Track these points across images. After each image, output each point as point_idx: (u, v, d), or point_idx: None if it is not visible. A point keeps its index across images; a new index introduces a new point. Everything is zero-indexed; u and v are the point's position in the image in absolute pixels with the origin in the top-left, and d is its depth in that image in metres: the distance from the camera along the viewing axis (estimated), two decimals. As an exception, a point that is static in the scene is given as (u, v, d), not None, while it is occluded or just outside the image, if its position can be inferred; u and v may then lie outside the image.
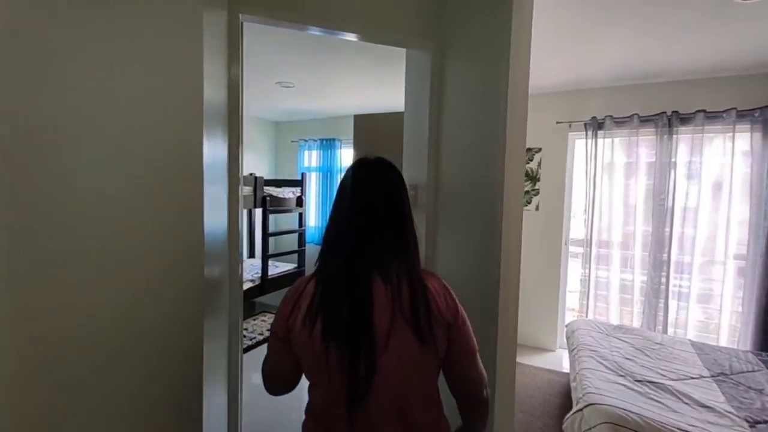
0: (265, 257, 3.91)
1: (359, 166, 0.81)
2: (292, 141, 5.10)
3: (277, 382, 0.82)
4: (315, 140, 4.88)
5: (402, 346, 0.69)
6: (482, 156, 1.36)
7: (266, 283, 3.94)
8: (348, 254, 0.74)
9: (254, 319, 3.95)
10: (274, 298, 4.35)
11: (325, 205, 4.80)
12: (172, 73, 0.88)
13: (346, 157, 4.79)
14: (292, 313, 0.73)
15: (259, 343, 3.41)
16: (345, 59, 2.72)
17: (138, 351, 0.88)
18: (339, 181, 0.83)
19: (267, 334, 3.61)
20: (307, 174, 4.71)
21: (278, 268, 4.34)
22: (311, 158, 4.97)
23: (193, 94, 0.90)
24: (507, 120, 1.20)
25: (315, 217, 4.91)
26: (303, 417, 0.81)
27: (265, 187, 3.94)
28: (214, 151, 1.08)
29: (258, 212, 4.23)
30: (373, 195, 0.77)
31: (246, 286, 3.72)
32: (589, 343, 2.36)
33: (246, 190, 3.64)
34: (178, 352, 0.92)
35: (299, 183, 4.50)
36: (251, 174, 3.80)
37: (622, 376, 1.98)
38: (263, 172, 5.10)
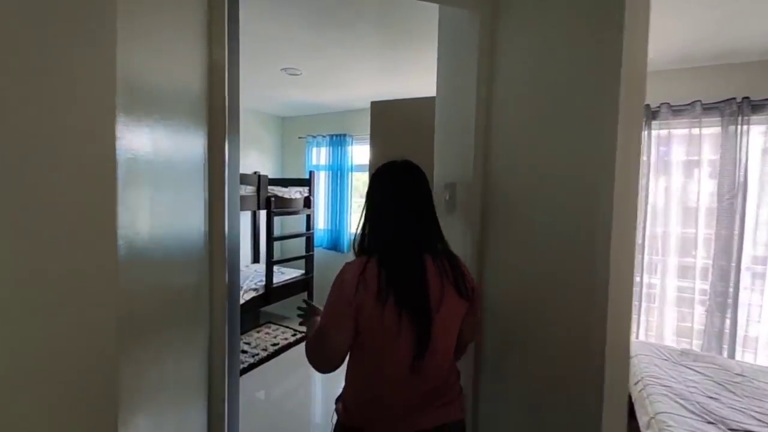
0: (270, 263, 3.56)
1: (397, 169, 0.99)
2: (299, 137, 4.75)
3: (330, 355, 0.92)
4: (324, 136, 4.52)
5: (451, 304, 0.92)
6: (563, 148, 0.98)
7: (271, 292, 3.59)
8: (404, 243, 0.92)
9: (258, 332, 3.60)
10: (280, 308, 4.00)
11: (335, 205, 4.44)
12: (75, 45, 0.51)
13: (358, 154, 4.42)
14: (357, 292, 0.86)
15: (264, 360, 3.06)
16: (358, 38, 2.34)
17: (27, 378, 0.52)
18: (373, 184, 1.02)
19: (273, 349, 3.27)
20: (316, 173, 4.35)
21: (284, 275, 3.99)
22: (320, 156, 4.62)
23: (103, 72, 0.54)
24: (620, 103, 0.81)
25: (324, 219, 4.55)
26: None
27: (269, 187, 3.59)
28: (173, 145, 0.79)
29: (263, 214, 3.90)
30: (416, 194, 0.97)
31: (248, 295, 3.38)
32: (657, 374, 1.95)
33: (248, 190, 3.29)
34: (83, 378, 0.55)
35: (307, 182, 4.15)
36: (255, 173, 3.45)
37: (712, 423, 1.58)
38: (269, 170, 4.76)
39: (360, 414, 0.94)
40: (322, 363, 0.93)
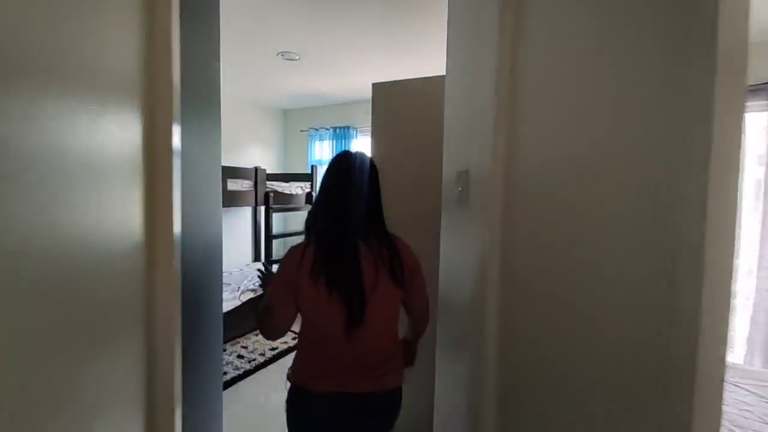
0: (268, 262, 3.37)
1: (344, 159, 1.08)
2: (301, 130, 4.55)
3: (278, 326, 1.01)
4: (327, 129, 4.30)
5: (385, 287, 1.01)
6: (626, 139, 0.71)
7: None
8: (337, 229, 1.01)
9: (256, 334, 3.41)
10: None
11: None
12: None
13: (362, 147, 4.20)
14: (296, 272, 0.97)
15: (261, 366, 2.87)
16: (360, 12, 2.11)
17: None
18: (325, 172, 1.09)
19: (272, 354, 3.07)
20: (319, 167, 4.14)
21: (285, 274, 3.80)
22: (323, 149, 4.40)
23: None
24: (718, 76, 0.54)
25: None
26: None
27: (268, 182, 3.39)
28: (67, 130, 0.58)
29: (262, 211, 3.71)
30: (357, 183, 1.04)
31: (246, 296, 3.19)
32: (702, 394, 1.68)
33: (245, 185, 3.09)
34: None
35: (309, 177, 3.94)
36: (255, 168, 3.26)
37: (778, 459, 1.32)
38: (271, 165, 4.57)
39: (303, 374, 1.03)
40: (271, 333, 1.04)
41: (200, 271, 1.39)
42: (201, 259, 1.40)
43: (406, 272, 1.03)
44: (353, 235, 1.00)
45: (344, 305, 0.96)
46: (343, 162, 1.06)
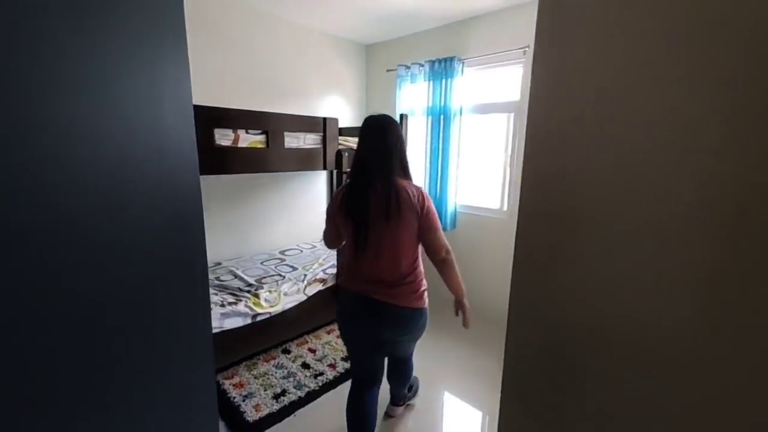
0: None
1: (368, 121, 1.40)
2: (388, 70, 3.50)
3: (332, 243, 1.56)
4: (422, 64, 3.18)
5: (379, 220, 1.32)
6: None
7: (345, 284, 2.62)
8: (357, 177, 1.37)
9: (327, 332, 2.71)
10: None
11: (434, 164, 3.18)
12: None
13: (471, 86, 3.00)
14: (335, 206, 1.41)
15: (329, 386, 2.15)
16: None
17: None
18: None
19: (345, 366, 2.35)
20: (409, 117, 3.09)
21: (364, 257, 2.99)
22: (416, 94, 3.32)
23: None
24: None
25: (420, 181, 3.34)
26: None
27: (342, 138, 2.50)
28: None
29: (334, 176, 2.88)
30: (377, 142, 1.35)
31: (313, 288, 2.45)
32: None
33: (308, 140, 2.24)
34: None
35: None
36: (323, 119, 2.37)
37: None
38: (346, 117, 3.67)
39: (343, 277, 1.50)
40: (328, 245, 1.59)
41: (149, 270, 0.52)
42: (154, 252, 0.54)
43: (403, 210, 1.31)
44: (364, 182, 1.33)
45: (353, 233, 1.35)
46: (364, 125, 1.39)
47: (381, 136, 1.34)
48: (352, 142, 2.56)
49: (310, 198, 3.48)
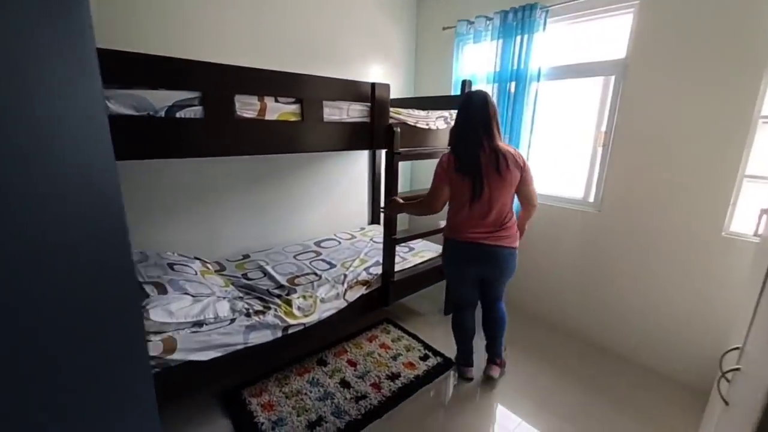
0: (391, 240, 2.11)
1: (468, 97, 1.72)
2: (444, 28, 2.91)
3: (439, 206, 1.77)
4: (490, 18, 2.57)
5: (495, 178, 1.65)
6: None
7: (391, 286, 2.19)
8: (464, 143, 1.69)
9: (370, 340, 2.32)
10: (406, 312, 2.64)
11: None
12: None
13: (553, 42, 2.37)
14: (447, 168, 1.70)
15: (374, 414, 1.77)
16: None
17: None
18: (459, 107, 1.74)
19: (392, 387, 1.95)
20: (472, 84, 2.52)
21: (412, 253, 2.53)
22: (479, 56, 2.72)
23: None
24: None
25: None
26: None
27: (393, 110, 2.00)
28: None
29: (382, 156, 2.38)
30: (478, 113, 1.66)
31: (354, 293, 2.04)
32: None
33: (353, 111, 1.77)
34: None
35: (456, 101, 2.39)
36: (371, 84, 1.87)
37: None
38: (392, 88, 3.14)
39: (450, 230, 1.80)
40: (431, 211, 1.78)
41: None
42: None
43: (510, 166, 1.65)
44: (474, 144, 1.65)
45: (470, 186, 1.66)
46: (468, 99, 1.70)
47: (484, 106, 1.66)
48: (405, 114, 2.05)
49: (348, 182, 3.04)
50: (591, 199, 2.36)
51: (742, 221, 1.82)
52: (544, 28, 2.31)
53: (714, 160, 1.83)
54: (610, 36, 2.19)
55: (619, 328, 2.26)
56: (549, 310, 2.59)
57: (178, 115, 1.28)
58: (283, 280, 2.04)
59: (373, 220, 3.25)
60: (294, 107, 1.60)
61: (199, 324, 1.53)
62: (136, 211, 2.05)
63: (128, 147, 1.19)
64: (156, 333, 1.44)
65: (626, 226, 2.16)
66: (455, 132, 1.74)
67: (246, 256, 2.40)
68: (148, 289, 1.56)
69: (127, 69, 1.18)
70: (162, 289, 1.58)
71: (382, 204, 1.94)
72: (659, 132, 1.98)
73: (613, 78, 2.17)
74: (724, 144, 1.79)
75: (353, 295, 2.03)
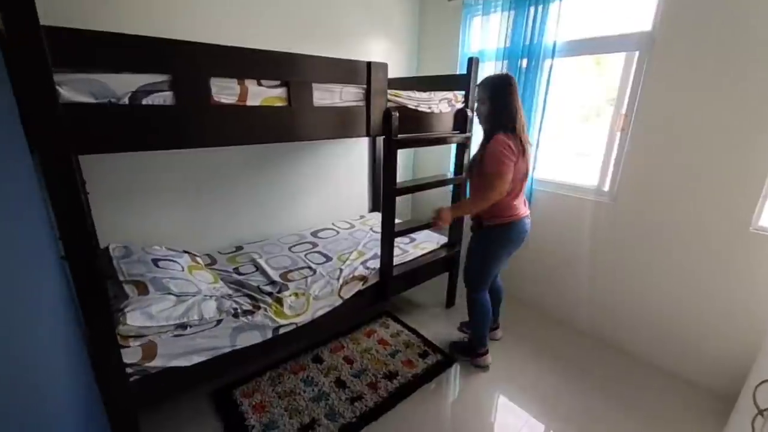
0: (389, 233, 1.99)
1: (512, 78, 1.72)
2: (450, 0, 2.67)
3: (505, 189, 1.66)
4: (499, -12, 2.33)
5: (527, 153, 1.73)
6: None
7: (390, 281, 2.08)
8: (520, 123, 1.70)
9: (368, 335, 2.24)
10: (406, 304, 2.54)
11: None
12: None
13: (569, 13, 2.14)
14: (514, 151, 1.64)
15: (370, 416, 1.70)
16: None
17: None
18: (498, 90, 1.72)
19: (389, 387, 1.88)
20: (480, 63, 2.31)
21: (413, 245, 2.41)
22: (488, 31, 2.49)
23: None
24: None
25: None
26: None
27: (392, 92, 1.82)
28: None
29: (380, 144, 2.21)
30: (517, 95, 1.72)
31: (350, 289, 1.94)
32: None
33: (346, 94, 1.61)
34: None
35: (462, 80, 2.20)
36: (367, 63, 1.69)
37: None
38: (393, 66, 2.93)
39: (510, 211, 1.77)
40: (500, 197, 1.67)
41: None
42: None
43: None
44: (526, 126, 1.75)
45: (527, 165, 1.72)
46: (510, 82, 1.71)
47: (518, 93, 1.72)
48: (404, 97, 1.88)
49: (348, 166, 2.89)
50: (606, 188, 2.18)
51: (775, 216, 1.66)
52: (560, -1, 2.08)
53: (744, 150, 1.64)
54: (634, 5, 1.96)
55: (634, 326, 2.14)
56: (558, 306, 2.47)
57: (144, 101, 1.14)
58: (275, 276, 1.94)
59: (374, 207, 3.11)
60: (280, 91, 1.44)
61: (182, 326, 1.44)
62: (122, 202, 1.94)
63: (86, 140, 1.05)
64: (135, 337, 1.35)
65: (644, 217, 2.00)
66: (507, 112, 1.67)
67: (239, 248, 2.29)
68: (128, 289, 1.47)
69: (82, 49, 1.03)
70: (143, 289, 1.48)
71: (435, 209, 1.82)
72: (686, 116, 1.79)
73: (636, 54, 1.95)
74: (756, 132, 1.60)
75: (349, 292, 1.92)
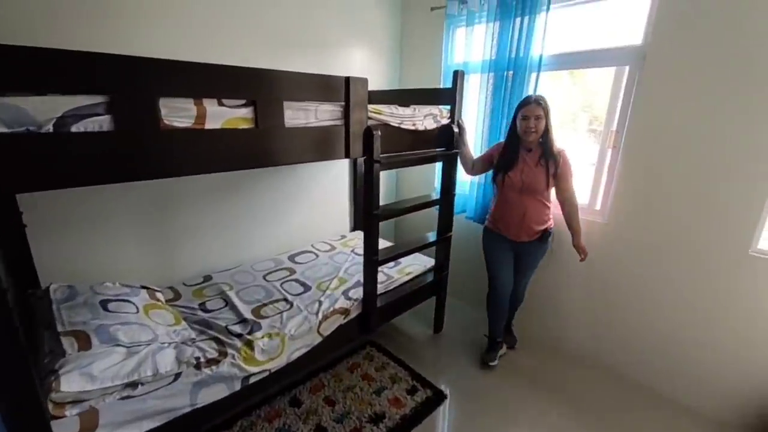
0: (373, 262, 1.82)
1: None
2: (433, 8, 2.56)
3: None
4: (483, 0, 2.23)
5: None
6: None
7: (374, 312, 1.92)
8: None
9: (351, 371, 2.06)
10: (392, 331, 2.37)
11: (495, 140, 2.29)
12: None
13: (556, 25, 2.05)
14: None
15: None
16: None
17: None
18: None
19: (371, 429, 1.70)
20: (468, 74, 2.19)
21: (398, 269, 2.25)
22: (473, 43, 2.39)
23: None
24: None
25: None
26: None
27: (373, 107, 1.67)
28: None
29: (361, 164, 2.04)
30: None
31: (331, 325, 1.77)
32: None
33: (322, 113, 1.45)
34: None
35: (448, 94, 2.07)
36: (345, 78, 1.53)
37: None
38: (375, 77, 2.79)
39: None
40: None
41: None
42: None
43: None
44: None
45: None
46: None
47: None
48: (386, 114, 1.73)
49: (327, 184, 2.71)
50: (597, 206, 2.09)
51: (775, 239, 1.59)
52: (547, 8, 1.99)
53: (743, 170, 1.57)
54: (625, 19, 1.89)
55: (636, 354, 2.03)
56: (556, 336, 2.35)
57: (73, 128, 0.94)
58: (246, 312, 1.74)
59: (356, 225, 2.95)
60: (245, 111, 1.27)
61: (132, 385, 1.23)
62: (68, 233, 1.70)
63: (-4, 178, 0.85)
64: (73, 404, 1.13)
65: (638, 238, 1.91)
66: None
67: (208, 278, 2.08)
68: (67, 343, 1.24)
69: (-10, 67, 0.83)
70: (85, 342, 1.26)
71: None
72: (679, 134, 1.71)
73: (627, 69, 1.87)
74: (755, 151, 1.54)
75: (329, 328, 1.75)
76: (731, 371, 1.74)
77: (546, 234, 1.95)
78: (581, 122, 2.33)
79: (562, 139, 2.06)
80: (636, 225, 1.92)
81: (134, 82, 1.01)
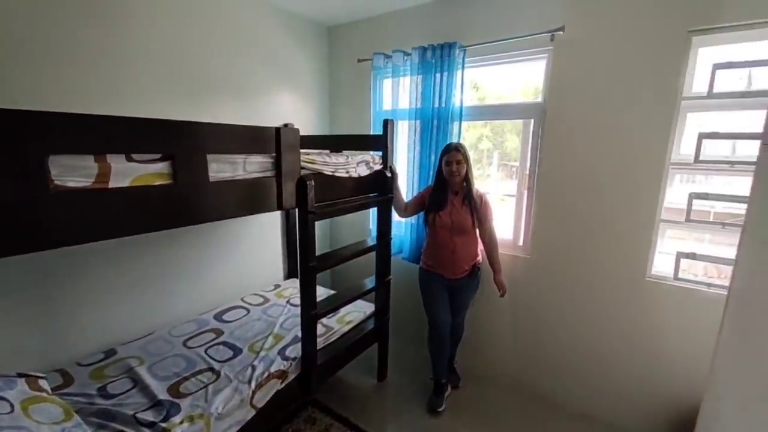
0: (310, 317, 1.71)
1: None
2: (359, 60, 2.67)
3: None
4: (408, 53, 2.39)
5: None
6: None
7: (315, 371, 1.77)
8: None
9: (292, 441, 1.85)
10: (334, 383, 2.22)
11: (424, 183, 2.39)
12: None
13: (474, 81, 2.27)
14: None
15: None
16: None
17: None
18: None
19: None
20: (397, 122, 2.29)
21: (337, 318, 2.15)
22: (399, 93, 2.52)
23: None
24: None
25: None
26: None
27: (304, 157, 1.63)
28: None
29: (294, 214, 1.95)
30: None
31: (266, 393, 1.59)
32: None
33: (252, 164, 1.37)
34: None
35: (380, 141, 2.13)
36: (275, 129, 1.48)
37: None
38: (305, 123, 2.79)
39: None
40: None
41: None
42: None
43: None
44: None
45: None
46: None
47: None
48: (320, 163, 1.70)
49: (258, 230, 2.55)
50: (521, 242, 2.27)
51: (664, 264, 1.86)
52: (463, 67, 2.20)
53: (633, 206, 1.85)
54: (532, 79, 2.17)
55: (560, 378, 2.17)
56: (493, 367, 2.41)
57: None
58: (161, 391, 1.48)
59: (290, 273, 2.79)
60: (160, 166, 1.14)
61: None
62: None
63: None
64: None
65: (556, 271, 2.10)
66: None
67: (111, 353, 1.75)
68: None
69: None
70: None
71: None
72: (580, 176, 1.97)
73: (532, 121, 2.13)
74: (641, 188, 1.82)
75: (264, 398, 1.56)
76: (644, 384, 1.93)
77: (476, 269, 2.05)
78: (495, 159, 2.58)
79: (480, 173, 2.22)
80: (552, 258, 2.11)
81: (11, 138, 0.85)
